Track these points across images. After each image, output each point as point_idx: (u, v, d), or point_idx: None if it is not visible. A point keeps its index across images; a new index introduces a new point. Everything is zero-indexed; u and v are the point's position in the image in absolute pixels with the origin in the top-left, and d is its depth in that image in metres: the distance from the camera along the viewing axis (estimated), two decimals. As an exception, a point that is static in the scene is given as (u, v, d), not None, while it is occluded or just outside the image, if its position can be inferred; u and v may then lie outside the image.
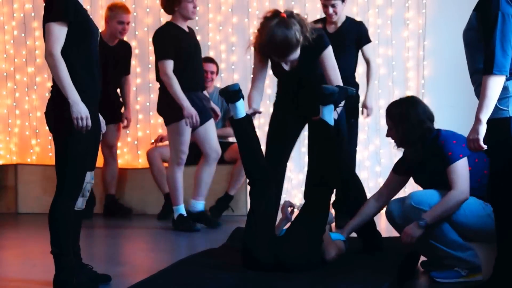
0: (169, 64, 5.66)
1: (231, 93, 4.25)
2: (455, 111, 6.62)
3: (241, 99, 4.29)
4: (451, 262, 4.02)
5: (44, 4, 3.87)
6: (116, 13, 6.49)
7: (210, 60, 6.81)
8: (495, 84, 3.39)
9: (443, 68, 6.90)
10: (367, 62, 5.98)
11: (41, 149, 7.56)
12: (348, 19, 5.87)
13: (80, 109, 3.74)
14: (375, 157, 7.11)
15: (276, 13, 4.22)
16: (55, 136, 3.86)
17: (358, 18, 6.94)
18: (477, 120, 3.43)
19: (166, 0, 5.77)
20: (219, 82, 7.25)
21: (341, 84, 4.45)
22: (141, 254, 5.21)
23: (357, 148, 6.52)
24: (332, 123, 4.22)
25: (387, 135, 4.25)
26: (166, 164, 6.47)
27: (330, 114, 4.21)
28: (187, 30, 5.86)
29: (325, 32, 5.40)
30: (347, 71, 5.61)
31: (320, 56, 4.47)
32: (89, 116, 3.76)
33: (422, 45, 7.02)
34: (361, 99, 6.01)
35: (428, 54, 7.01)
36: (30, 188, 6.99)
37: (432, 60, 6.99)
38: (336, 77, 4.49)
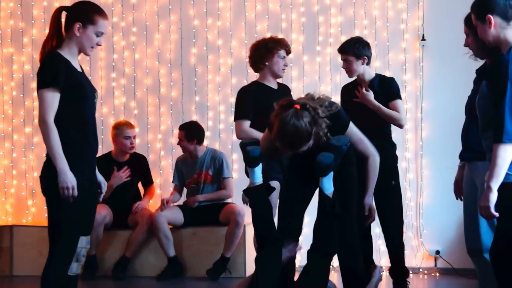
0: (245, 124, 5.48)
1: (252, 159, 4.25)
2: (453, 172, 6.57)
3: (260, 164, 4.28)
4: None
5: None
6: (121, 130, 6.82)
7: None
8: (505, 153, 3.39)
9: (441, 130, 6.90)
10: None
11: (37, 209, 7.51)
12: (378, 77, 5.53)
13: (67, 179, 3.73)
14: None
15: (290, 104, 4.10)
16: (47, 201, 3.84)
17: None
18: (488, 188, 3.42)
19: (257, 55, 5.62)
20: (217, 143, 7.25)
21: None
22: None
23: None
24: (332, 189, 4.18)
25: (465, 45, 4.03)
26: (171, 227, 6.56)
27: (330, 182, 4.17)
28: (275, 87, 5.68)
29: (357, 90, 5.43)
30: (378, 132, 5.39)
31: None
32: (75, 186, 3.74)
33: (420, 107, 7.04)
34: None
35: (426, 116, 7.02)
36: (26, 250, 6.91)
37: (430, 122, 7.01)
38: (365, 149, 4.41)
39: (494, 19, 3.56)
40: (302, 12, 7.29)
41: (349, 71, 5.48)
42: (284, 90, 5.71)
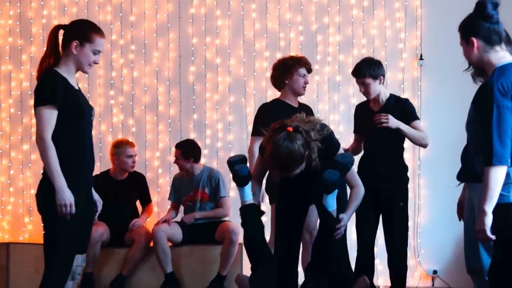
0: (257, 141, 5.45)
1: (241, 178, 4.25)
2: (451, 192, 6.55)
3: (250, 183, 4.30)
4: None
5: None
6: (124, 149, 6.81)
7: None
8: (497, 175, 3.40)
9: (439, 149, 6.90)
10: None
11: (34, 227, 7.49)
12: (393, 97, 5.52)
13: (65, 196, 3.73)
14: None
15: (282, 127, 4.11)
16: (44, 218, 3.83)
17: (354, 99, 7.02)
18: (482, 212, 3.43)
19: (277, 73, 5.66)
20: (215, 161, 7.25)
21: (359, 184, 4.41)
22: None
23: (353, 229, 6.46)
24: (335, 207, 4.18)
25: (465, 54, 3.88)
26: (170, 244, 6.56)
27: (334, 200, 4.17)
28: (295, 105, 5.68)
29: (370, 110, 5.44)
30: (392, 153, 5.43)
31: None
32: (73, 203, 3.74)
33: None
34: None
35: (424, 135, 7.02)
36: (22, 268, 6.88)
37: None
38: (352, 178, 4.39)
39: (477, 42, 3.59)
40: (301, 31, 7.31)
41: (368, 93, 5.43)
42: (305, 109, 5.62)
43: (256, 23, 7.37)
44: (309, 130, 4.09)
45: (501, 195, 3.45)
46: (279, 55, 7.23)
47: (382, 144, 5.33)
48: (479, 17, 3.58)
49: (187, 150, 6.73)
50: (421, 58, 7.06)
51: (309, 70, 5.70)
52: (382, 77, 5.39)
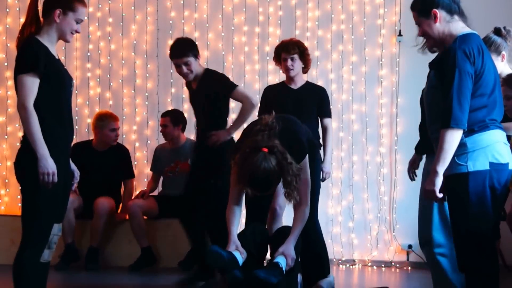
0: None
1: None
2: (427, 168, 6.65)
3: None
4: None
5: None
6: (107, 122, 6.77)
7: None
8: (452, 138, 3.45)
9: (416, 125, 6.91)
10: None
11: (10, 199, 7.45)
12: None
13: (48, 164, 3.71)
14: (348, 212, 7.10)
15: (257, 148, 4.03)
16: (23, 187, 3.81)
17: (332, 75, 7.05)
18: (434, 172, 3.48)
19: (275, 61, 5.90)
20: (193, 135, 7.23)
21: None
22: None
23: (330, 203, 6.53)
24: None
25: (419, 35, 3.88)
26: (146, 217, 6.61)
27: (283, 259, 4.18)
28: (295, 87, 5.83)
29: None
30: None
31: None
32: (55, 172, 3.73)
33: (396, 102, 7.08)
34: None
35: (401, 111, 7.06)
36: (-2, 239, 6.86)
37: (405, 117, 7.04)
38: (305, 194, 4.34)
39: (439, 13, 3.62)
40: (280, 5, 7.29)
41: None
42: (306, 90, 5.83)
43: (235, -3, 7.34)
44: (284, 152, 4.05)
45: (458, 165, 3.50)
46: (257, 30, 7.23)
47: None
48: None
49: (178, 116, 6.77)
50: (399, 35, 7.07)
51: (288, 52, 5.74)
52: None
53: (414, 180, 4.99)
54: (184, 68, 5.53)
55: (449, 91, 3.46)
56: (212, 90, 5.48)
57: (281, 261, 4.06)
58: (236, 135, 4.90)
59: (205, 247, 5.31)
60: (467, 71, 3.47)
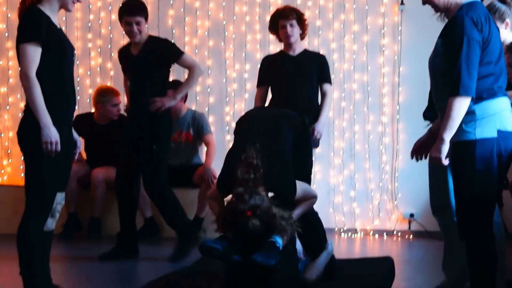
0: (258, 92, 5.90)
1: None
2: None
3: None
4: None
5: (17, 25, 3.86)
6: (109, 98, 6.74)
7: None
8: (460, 106, 3.46)
9: (418, 94, 6.92)
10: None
11: (12, 169, 7.47)
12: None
13: (51, 133, 3.72)
14: (350, 182, 7.12)
15: (240, 212, 3.93)
16: (26, 156, 3.83)
17: (334, 44, 7.03)
18: (440, 139, 3.49)
19: (271, 29, 5.88)
20: (194, 106, 7.22)
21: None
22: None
23: (332, 173, 6.52)
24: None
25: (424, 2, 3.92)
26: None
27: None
28: (293, 54, 5.81)
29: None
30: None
31: None
32: (58, 141, 3.74)
33: (397, 71, 7.06)
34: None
35: (403, 80, 7.05)
36: (1, 209, 6.88)
37: (407, 87, 7.03)
38: (307, 196, 4.36)
39: None
40: (282, -26, 7.24)
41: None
42: (306, 56, 5.84)
43: (236, -34, 7.29)
44: (269, 209, 3.95)
45: (466, 132, 3.52)
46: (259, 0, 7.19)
47: None
48: None
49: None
50: (402, 3, 7.03)
51: (287, 18, 5.70)
52: None
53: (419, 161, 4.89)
54: (135, 27, 5.58)
55: (458, 59, 3.46)
56: (157, 55, 5.54)
57: (277, 239, 4.06)
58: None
59: (134, 230, 5.74)
60: (475, 39, 3.47)
